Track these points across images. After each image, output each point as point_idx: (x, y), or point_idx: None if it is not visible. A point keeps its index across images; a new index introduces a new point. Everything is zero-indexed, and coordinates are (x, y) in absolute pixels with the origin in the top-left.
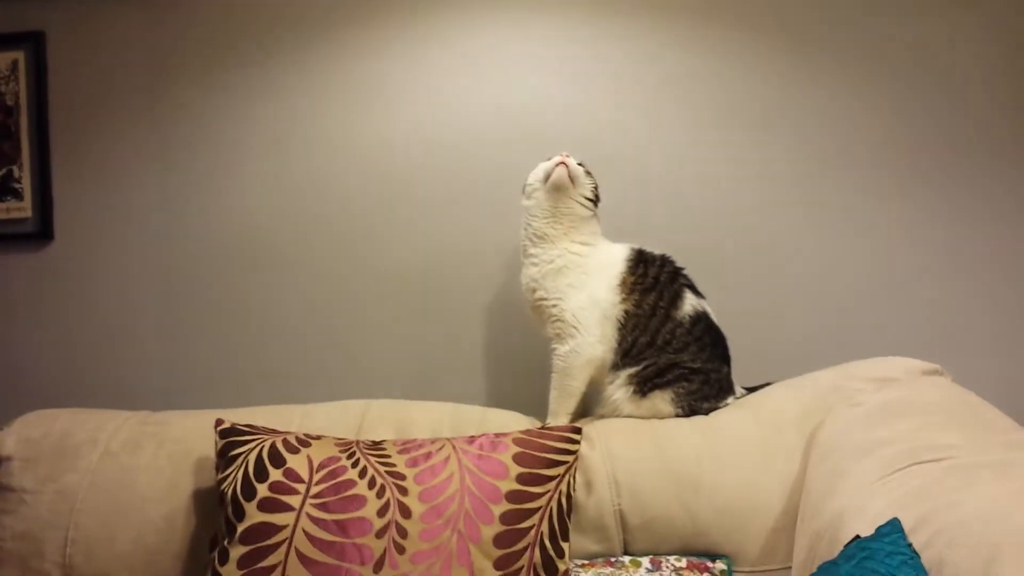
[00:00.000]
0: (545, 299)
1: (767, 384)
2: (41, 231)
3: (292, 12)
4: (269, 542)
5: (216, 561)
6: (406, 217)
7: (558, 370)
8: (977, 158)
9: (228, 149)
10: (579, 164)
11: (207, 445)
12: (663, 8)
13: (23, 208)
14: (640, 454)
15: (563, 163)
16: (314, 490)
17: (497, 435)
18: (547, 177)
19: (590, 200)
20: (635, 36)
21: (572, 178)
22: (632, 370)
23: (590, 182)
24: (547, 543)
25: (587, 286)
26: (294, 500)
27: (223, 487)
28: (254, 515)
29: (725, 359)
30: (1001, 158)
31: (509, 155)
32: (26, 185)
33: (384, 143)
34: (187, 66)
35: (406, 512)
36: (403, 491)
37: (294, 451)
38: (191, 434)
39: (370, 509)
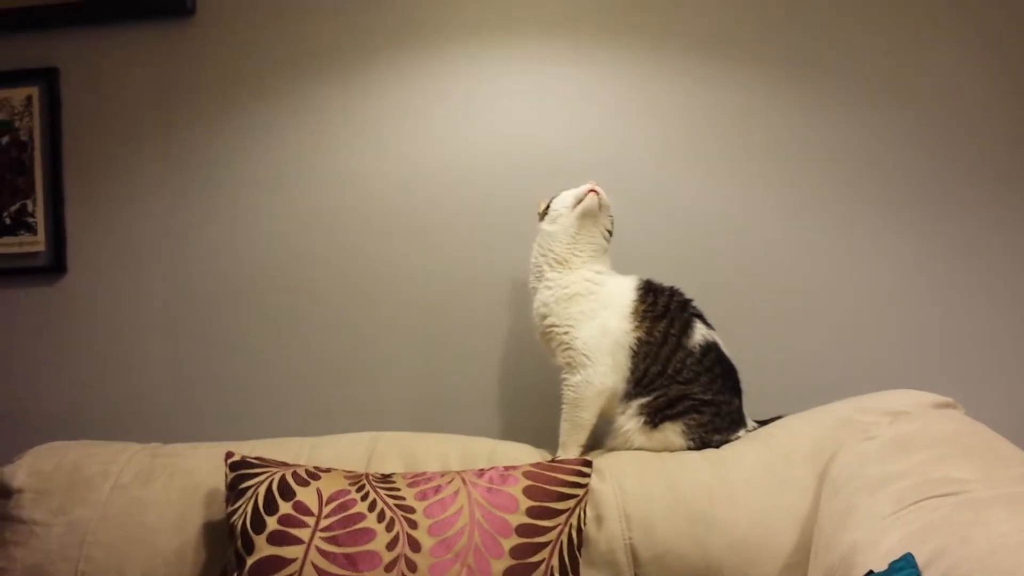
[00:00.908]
0: (556, 326)
1: (778, 417)
2: (54, 264)
3: (304, 48)
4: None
5: None
6: (414, 249)
7: (568, 401)
8: (992, 186)
9: (238, 183)
10: None
11: (218, 477)
12: (676, 40)
13: (36, 242)
14: (651, 488)
15: (595, 190)
16: (324, 523)
17: (507, 468)
18: (577, 203)
19: (609, 232)
20: (648, 67)
21: (601, 206)
22: (643, 400)
23: (611, 215)
24: None
25: (599, 315)
26: (303, 533)
27: (233, 520)
28: (263, 548)
29: (736, 391)
30: (1017, 185)
31: (521, 186)
32: (40, 219)
33: (393, 176)
34: (198, 102)
35: (416, 546)
36: (413, 524)
37: (304, 484)
38: (201, 466)
39: (379, 543)
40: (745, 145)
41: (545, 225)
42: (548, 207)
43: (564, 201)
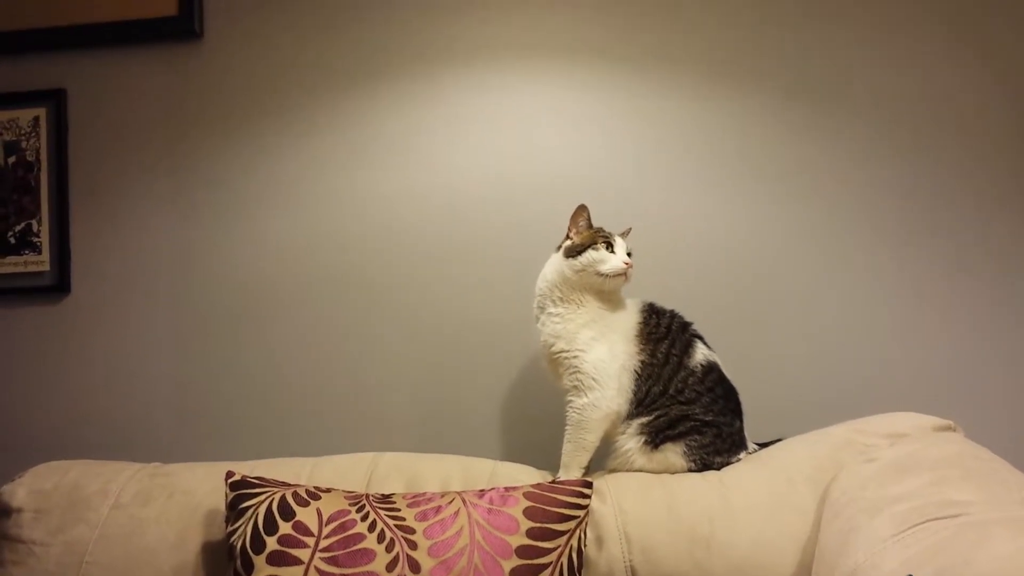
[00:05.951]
0: (566, 351)
1: (779, 439)
2: (58, 284)
3: (309, 71)
4: None
5: None
6: (418, 270)
7: (573, 423)
8: (995, 211)
9: (242, 204)
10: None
11: (217, 497)
12: (679, 64)
13: (41, 261)
14: (652, 509)
15: (625, 274)
16: (323, 544)
17: (507, 489)
18: (610, 274)
19: None
20: (651, 92)
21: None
22: (644, 420)
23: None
24: None
25: (608, 339)
26: (303, 554)
27: (232, 540)
28: (263, 568)
29: (737, 413)
30: (1019, 211)
31: (523, 211)
32: (45, 239)
33: (396, 198)
34: (204, 123)
35: (415, 567)
36: (412, 545)
37: (304, 504)
38: (201, 486)
39: (379, 563)
40: (750, 169)
41: (568, 270)
42: (579, 251)
43: (598, 262)
